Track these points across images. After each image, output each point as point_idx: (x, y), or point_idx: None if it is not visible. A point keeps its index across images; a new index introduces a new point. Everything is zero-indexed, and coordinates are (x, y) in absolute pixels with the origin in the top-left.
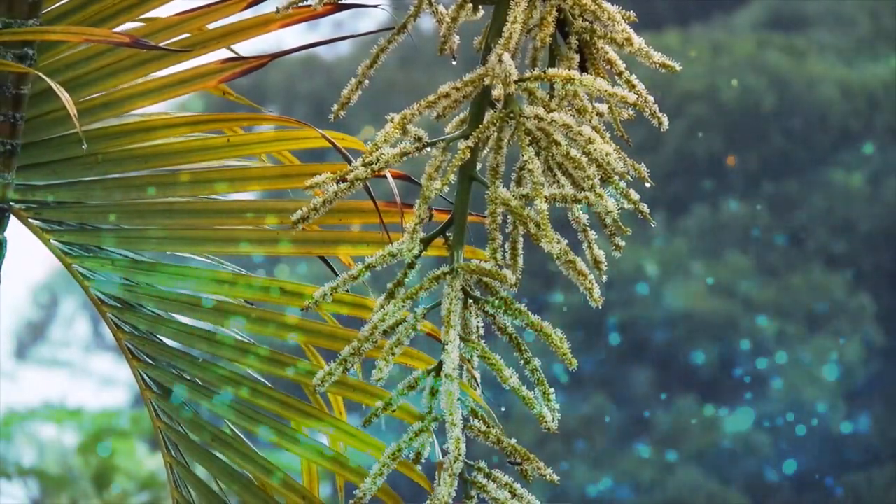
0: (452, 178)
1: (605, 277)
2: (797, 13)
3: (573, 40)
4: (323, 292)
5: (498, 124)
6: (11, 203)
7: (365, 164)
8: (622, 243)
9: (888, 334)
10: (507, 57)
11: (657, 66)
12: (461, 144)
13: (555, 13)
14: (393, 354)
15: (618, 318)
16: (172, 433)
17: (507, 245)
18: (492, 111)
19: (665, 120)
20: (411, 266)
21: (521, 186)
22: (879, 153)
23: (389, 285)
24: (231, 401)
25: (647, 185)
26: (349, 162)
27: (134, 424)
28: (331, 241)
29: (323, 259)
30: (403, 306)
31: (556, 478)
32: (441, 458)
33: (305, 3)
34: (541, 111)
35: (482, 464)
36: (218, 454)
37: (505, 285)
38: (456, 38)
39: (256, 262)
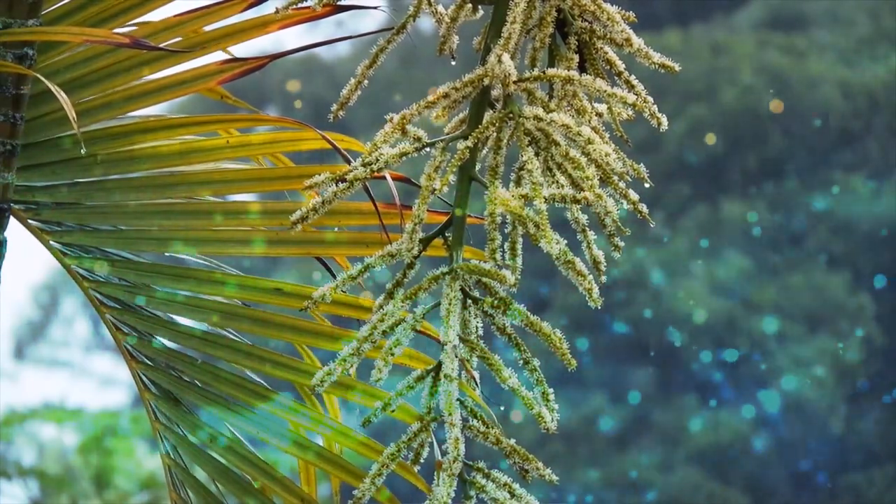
0: (452, 178)
1: (604, 278)
2: (797, 13)
3: (572, 40)
4: (322, 293)
5: (497, 125)
6: (11, 203)
7: (364, 165)
8: (622, 244)
9: (888, 334)
10: (506, 57)
11: (657, 66)
12: (460, 145)
13: (554, 13)
14: (392, 355)
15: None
16: (171, 434)
17: (506, 245)
18: (491, 111)
19: (664, 120)
20: (410, 266)
21: (520, 187)
22: (879, 153)
23: (388, 286)
24: (230, 402)
25: (647, 185)
26: (348, 163)
27: (134, 424)
28: (330, 242)
29: (321, 260)
30: (402, 307)
31: (555, 478)
32: (440, 458)
33: (305, 4)
34: (540, 111)
35: (481, 464)
36: (216, 455)
37: (504, 286)
38: (455, 39)
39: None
